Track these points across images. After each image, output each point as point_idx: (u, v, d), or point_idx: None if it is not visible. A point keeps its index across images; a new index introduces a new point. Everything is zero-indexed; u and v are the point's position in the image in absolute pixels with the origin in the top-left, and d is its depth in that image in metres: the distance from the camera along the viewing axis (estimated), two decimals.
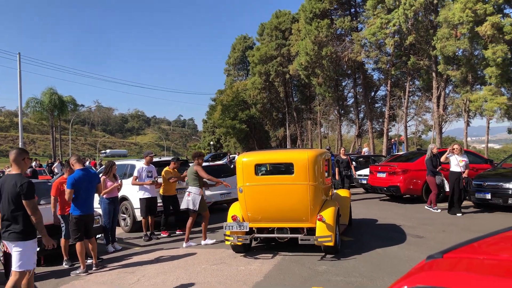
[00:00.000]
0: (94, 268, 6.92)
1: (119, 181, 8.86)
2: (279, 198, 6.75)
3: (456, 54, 22.67)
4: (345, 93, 37.60)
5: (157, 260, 7.33)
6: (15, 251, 4.71)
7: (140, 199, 9.32)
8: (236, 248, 7.35)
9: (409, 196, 13.11)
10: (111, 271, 6.85)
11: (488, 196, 10.43)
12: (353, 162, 14.72)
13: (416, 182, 12.42)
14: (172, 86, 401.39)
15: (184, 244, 8.31)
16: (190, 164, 12.73)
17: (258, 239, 7.64)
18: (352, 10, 33.66)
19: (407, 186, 12.44)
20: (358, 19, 32.10)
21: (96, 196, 7.41)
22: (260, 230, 7.24)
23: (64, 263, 7.32)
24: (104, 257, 7.77)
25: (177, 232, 9.90)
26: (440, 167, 11.08)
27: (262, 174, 7.61)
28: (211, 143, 63.86)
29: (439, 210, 10.85)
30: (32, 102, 43.76)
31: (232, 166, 15.38)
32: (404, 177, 12.45)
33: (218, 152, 45.21)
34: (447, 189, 10.75)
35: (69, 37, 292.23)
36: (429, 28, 24.26)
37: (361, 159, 18.22)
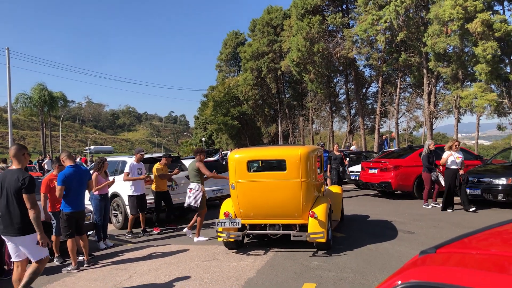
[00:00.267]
0: (85, 265, 6.88)
1: (112, 178, 8.84)
2: (272, 194, 6.77)
3: (447, 51, 22.80)
4: (337, 90, 37.71)
5: (149, 257, 7.31)
6: (25, 244, 4.89)
7: (129, 196, 9.25)
8: (228, 245, 7.36)
9: (400, 192, 13.20)
10: (102, 267, 6.82)
11: (479, 192, 10.53)
12: (347, 158, 14.74)
13: (407, 178, 12.51)
14: (164, 82, 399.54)
15: (195, 238, 8.36)
16: (181, 161, 12.74)
17: (251, 235, 7.66)
18: (344, 6, 33.73)
19: (398, 182, 12.52)
20: (349, 16, 32.17)
21: (86, 193, 7.36)
22: (253, 226, 7.26)
23: (55, 260, 7.28)
24: (96, 253, 7.74)
25: (166, 227, 9.90)
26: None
27: (254, 171, 7.61)
28: (203, 139, 63.72)
29: (430, 206, 10.96)
30: (21, 98, 43.22)
31: (224, 162, 15.37)
32: (396, 173, 12.53)
33: (210, 149, 45.09)
34: (443, 184, 10.74)
35: (59, 33, 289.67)
36: (420, 25, 24.38)
37: (353, 155, 18.29)
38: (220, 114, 49.34)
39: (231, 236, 6.95)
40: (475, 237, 1.90)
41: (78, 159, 33.01)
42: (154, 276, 6.15)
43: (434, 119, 26.37)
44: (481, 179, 10.66)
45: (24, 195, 4.81)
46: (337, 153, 13.49)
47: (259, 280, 5.65)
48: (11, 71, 27.31)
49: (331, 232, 7.16)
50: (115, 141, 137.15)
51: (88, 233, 7.87)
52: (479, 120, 23.94)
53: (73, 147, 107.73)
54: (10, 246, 5.05)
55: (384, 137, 26.40)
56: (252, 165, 7.81)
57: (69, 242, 6.67)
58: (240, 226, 6.95)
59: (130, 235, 9.16)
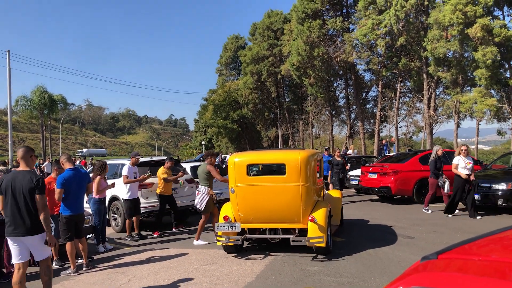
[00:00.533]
0: (84, 268, 6.86)
1: (111, 181, 8.86)
2: (271, 198, 6.75)
3: (447, 55, 22.85)
4: (337, 94, 37.73)
5: (148, 261, 7.29)
6: (35, 243, 5.00)
7: (124, 200, 9.25)
8: (227, 249, 7.34)
9: (400, 197, 13.18)
10: (101, 271, 6.80)
11: (478, 197, 10.51)
12: (348, 164, 14.66)
13: (407, 183, 12.49)
14: (164, 85, 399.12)
15: (195, 241, 8.39)
16: (180, 164, 12.73)
17: (250, 239, 7.63)
18: (344, 10, 33.78)
19: (398, 186, 12.50)
20: (349, 20, 32.22)
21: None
22: (252, 230, 7.24)
23: (54, 263, 7.25)
24: (95, 257, 7.71)
25: (173, 230, 9.91)
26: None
27: (254, 175, 7.61)
28: (203, 143, 63.69)
29: (430, 211, 10.93)
30: (21, 101, 43.25)
31: (224, 166, 15.36)
32: (395, 178, 12.51)
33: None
34: (446, 190, 10.64)
35: (59, 36, 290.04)
36: (420, 29, 24.44)
37: (353, 160, 18.29)
38: (220, 117, 49.35)
39: (230, 240, 6.93)
40: (476, 243, 1.89)
41: (77, 162, 33.02)
42: (153, 280, 6.13)
43: (434, 124, 26.38)
44: (480, 184, 10.63)
45: (37, 196, 4.95)
46: (339, 159, 13.31)
47: (258, 285, 5.64)
48: (12, 73, 27.34)
49: (330, 237, 7.14)
50: (115, 144, 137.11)
51: (87, 236, 7.86)
52: (478, 125, 23.96)
53: (72, 150, 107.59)
54: (15, 247, 5.04)
55: (383, 141, 26.41)
56: (252, 169, 7.80)
57: (68, 246, 6.65)
58: (239, 230, 6.94)
59: (129, 239, 9.15)
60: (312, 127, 41.71)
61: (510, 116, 21.61)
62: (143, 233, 9.82)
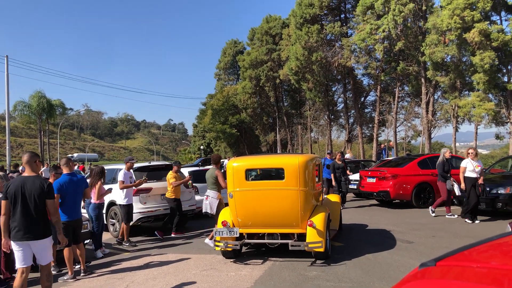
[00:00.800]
0: (82, 274, 6.82)
1: (108, 186, 8.85)
2: (270, 203, 6.73)
3: (445, 60, 22.91)
4: (335, 98, 37.81)
5: (146, 266, 7.26)
6: (42, 247, 5.11)
7: (122, 205, 9.21)
8: (226, 254, 7.31)
9: (399, 201, 13.17)
10: (99, 277, 6.76)
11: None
12: (348, 168, 14.59)
13: (406, 187, 12.49)
14: (162, 90, 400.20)
15: (206, 239, 8.51)
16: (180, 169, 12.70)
17: (249, 244, 7.60)
18: (342, 15, 33.91)
19: (396, 191, 12.49)
20: (348, 25, 32.34)
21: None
22: (251, 235, 7.21)
23: (51, 269, 7.20)
24: (93, 262, 7.67)
25: (172, 235, 9.89)
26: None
27: (252, 179, 7.59)
28: (201, 147, 63.70)
29: (455, 216, 10.58)
30: (20, 106, 43.24)
31: (223, 170, 15.33)
32: (394, 182, 12.51)
33: (208, 157, 45.04)
34: (458, 193, 10.44)
35: (58, 41, 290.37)
36: (418, 34, 24.52)
37: (351, 164, 18.28)
38: (218, 122, 49.38)
39: (229, 245, 6.90)
40: (475, 249, 1.88)
41: (76, 167, 32.94)
42: (151, 285, 6.09)
43: (432, 128, 26.43)
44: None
45: (48, 201, 5.15)
46: (339, 163, 13.24)
47: None
48: (10, 78, 27.32)
49: (329, 242, 7.12)
50: (113, 149, 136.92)
51: (85, 241, 7.83)
52: (477, 129, 23.99)
53: (71, 155, 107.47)
54: (20, 252, 5.05)
55: (382, 146, 26.41)
56: (251, 174, 7.78)
57: (65, 251, 6.62)
58: (238, 235, 6.91)
59: (127, 244, 9.10)
60: (311, 132, 41.75)
61: (508, 120, 21.64)
62: (141, 238, 9.80)
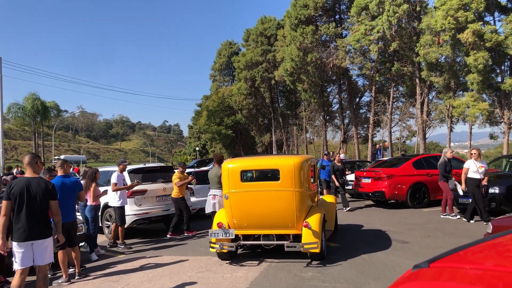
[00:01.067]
0: (77, 277, 6.79)
1: (103, 189, 8.84)
2: (265, 204, 6.72)
3: (439, 60, 23.01)
4: (330, 99, 37.87)
5: (142, 268, 7.23)
6: (44, 246, 5.23)
7: (116, 207, 9.19)
8: (221, 256, 7.29)
9: (394, 201, 13.20)
10: (94, 279, 6.73)
11: (470, 201, 10.51)
12: (346, 169, 14.51)
13: (401, 187, 12.52)
14: (157, 91, 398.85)
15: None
16: (174, 170, 12.68)
17: (244, 246, 7.59)
18: (337, 16, 33.98)
19: (392, 191, 12.52)
20: (342, 26, 32.42)
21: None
22: (246, 237, 7.19)
23: (47, 274, 7.16)
24: (87, 265, 7.63)
25: (168, 236, 9.87)
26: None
27: (248, 181, 7.58)
28: (197, 148, 63.59)
29: (457, 217, 10.44)
30: (13, 108, 42.97)
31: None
32: (389, 183, 12.53)
33: (204, 158, 44.98)
34: (461, 193, 10.28)
35: (52, 43, 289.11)
36: (412, 35, 24.62)
37: (347, 165, 18.30)
38: (214, 123, 49.30)
39: (224, 247, 6.88)
40: (470, 250, 1.87)
41: (71, 169, 32.77)
42: None
43: (427, 128, 26.52)
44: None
45: (52, 202, 5.37)
46: (338, 164, 13.09)
47: None
48: (3, 80, 27.17)
49: (325, 242, 7.12)
50: (108, 151, 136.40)
51: (80, 244, 7.79)
52: (471, 129, 24.10)
53: (57, 157, 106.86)
54: (21, 253, 5.07)
55: (377, 146, 26.48)
56: (246, 175, 7.77)
57: (60, 254, 6.58)
58: (233, 237, 6.89)
59: (122, 246, 9.08)
60: (306, 132, 41.78)
61: (502, 120, 21.75)
62: (137, 240, 9.76)
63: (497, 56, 21.00)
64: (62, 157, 72.52)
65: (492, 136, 24.00)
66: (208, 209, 8.67)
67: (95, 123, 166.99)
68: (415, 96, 26.13)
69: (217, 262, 7.27)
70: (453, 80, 23.03)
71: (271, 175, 7.50)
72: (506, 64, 21.89)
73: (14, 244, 5.08)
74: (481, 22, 20.92)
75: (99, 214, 9.13)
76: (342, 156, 22.74)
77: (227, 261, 7.24)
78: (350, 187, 14.75)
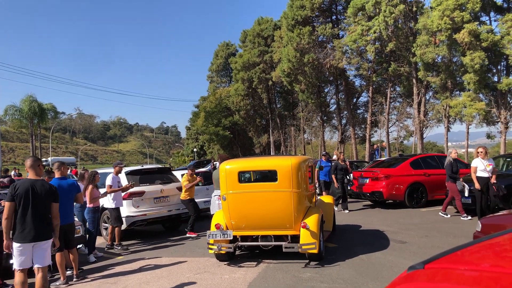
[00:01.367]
0: (75, 279, 6.77)
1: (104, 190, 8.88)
2: (263, 205, 6.73)
3: (436, 60, 23.09)
4: (328, 100, 37.90)
5: (140, 270, 7.22)
6: (45, 247, 5.33)
7: (111, 209, 9.18)
8: (220, 257, 7.28)
9: (392, 201, 13.22)
10: (92, 281, 6.72)
11: (469, 201, 10.54)
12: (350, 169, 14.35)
13: (399, 187, 12.54)
14: (155, 92, 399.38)
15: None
16: (174, 172, 12.66)
17: (242, 247, 7.59)
18: (334, 17, 34.02)
19: (389, 191, 12.53)
20: (339, 26, 32.46)
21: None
22: (244, 238, 7.20)
23: (47, 275, 7.14)
24: (85, 267, 7.62)
25: (187, 235, 10.02)
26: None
27: (245, 182, 7.58)
28: (195, 150, 63.50)
29: (469, 217, 10.18)
30: (10, 110, 42.80)
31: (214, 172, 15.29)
32: (387, 183, 12.55)
33: (201, 159, 44.97)
34: (466, 194, 10.16)
35: (49, 45, 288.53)
36: (409, 35, 24.69)
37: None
38: (211, 124, 49.28)
39: (222, 248, 6.88)
40: (467, 250, 1.87)
41: (69, 171, 32.70)
42: None
43: (424, 128, 26.58)
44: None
45: (54, 204, 5.48)
46: (342, 163, 12.91)
47: None
48: (0, 82, 27.08)
49: (323, 243, 7.12)
50: (106, 153, 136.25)
51: (78, 246, 7.77)
52: (468, 128, 24.18)
53: (45, 159, 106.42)
54: (23, 254, 5.11)
55: (375, 146, 26.52)
56: (243, 176, 7.77)
57: (57, 256, 6.55)
58: (231, 238, 6.89)
59: (119, 247, 9.07)
60: (304, 133, 41.82)
61: (498, 119, 21.83)
62: (135, 242, 9.74)
63: (493, 56, 21.09)
64: (49, 159, 71.32)
65: (489, 136, 24.07)
66: (213, 210, 8.66)
67: (93, 125, 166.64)
68: (412, 96, 26.20)
69: (215, 263, 7.27)
70: (450, 80, 23.11)
71: (269, 176, 7.51)
72: (502, 63, 21.97)
73: (16, 245, 5.11)
74: (477, 22, 21.01)
75: (98, 216, 9.13)
76: (335, 156, 22.71)
77: (225, 262, 7.23)
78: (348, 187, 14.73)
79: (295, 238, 6.82)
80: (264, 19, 45.08)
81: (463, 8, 20.37)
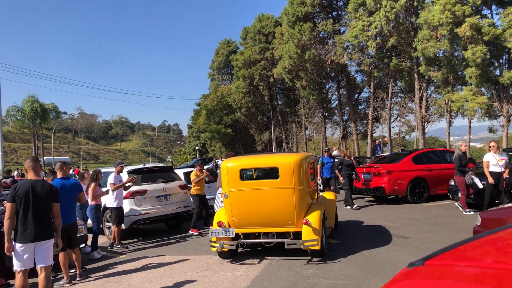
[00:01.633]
0: (78, 279, 6.79)
1: (106, 189, 8.92)
2: (265, 202, 6.73)
3: (437, 55, 22.98)
4: (329, 96, 37.83)
5: (143, 268, 7.23)
6: (47, 247, 5.35)
7: (112, 208, 9.20)
8: (222, 254, 7.30)
9: (394, 197, 13.20)
10: (95, 280, 6.74)
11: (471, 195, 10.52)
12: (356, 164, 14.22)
13: (401, 183, 12.51)
14: (156, 91, 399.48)
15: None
16: (176, 170, 12.67)
17: (244, 244, 7.59)
18: (334, 13, 33.92)
19: (391, 187, 12.51)
20: (340, 22, 32.37)
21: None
22: (246, 235, 7.20)
23: (50, 275, 7.16)
24: (89, 266, 7.64)
25: (209, 227, 10.07)
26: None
27: (247, 179, 7.57)
28: (197, 148, 63.57)
29: (471, 213, 10.10)
30: (12, 111, 42.89)
31: (218, 171, 15.31)
32: (389, 178, 12.53)
33: (203, 157, 45.01)
34: (480, 186, 9.94)
35: (50, 45, 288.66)
36: (410, 30, 24.58)
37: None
38: (213, 122, 49.30)
39: (224, 245, 6.89)
40: (467, 246, 1.85)
41: (71, 171, 32.77)
42: None
43: (426, 123, 26.51)
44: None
45: (55, 204, 5.52)
46: (348, 159, 12.74)
47: None
48: (2, 83, 27.14)
49: (325, 239, 7.13)
50: (108, 152, 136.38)
51: (81, 246, 7.79)
52: (470, 123, 24.10)
53: (41, 159, 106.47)
54: (25, 254, 5.13)
55: (377, 142, 26.48)
56: (245, 174, 7.77)
57: (61, 256, 6.58)
58: (233, 236, 6.90)
59: (119, 246, 9.09)
60: (306, 130, 41.77)
61: (501, 113, 21.74)
62: (137, 240, 9.76)
63: (495, 49, 20.97)
64: (45, 158, 70.97)
65: (491, 130, 23.98)
66: (217, 207, 8.66)
67: (95, 124, 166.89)
68: (414, 91, 26.11)
69: (218, 261, 7.28)
70: (452, 75, 23.01)
71: (270, 173, 7.51)
72: (504, 57, 21.84)
73: (18, 245, 5.14)
74: (479, 16, 20.90)
75: (100, 214, 9.16)
76: (335, 152, 22.68)
77: (228, 260, 7.24)
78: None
79: (297, 235, 6.82)
80: (265, 16, 44.99)
81: (465, 1, 20.25)
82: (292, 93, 43.44)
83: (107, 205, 9.52)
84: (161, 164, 12.45)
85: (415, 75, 25.28)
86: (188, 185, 11.02)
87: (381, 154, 19.70)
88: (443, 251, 1.79)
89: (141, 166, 11.75)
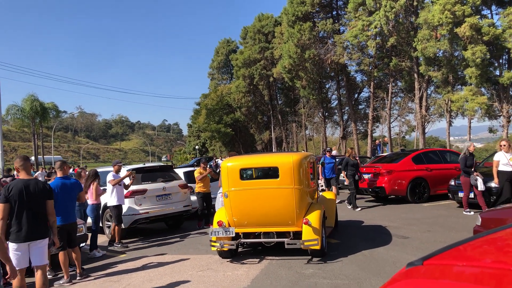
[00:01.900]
0: (78, 278, 6.79)
1: (104, 188, 8.92)
2: (265, 202, 6.74)
3: (437, 55, 23.00)
4: (329, 95, 37.88)
5: (143, 268, 7.24)
6: (41, 246, 5.32)
7: (112, 207, 9.20)
8: (222, 254, 7.30)
9: (394, 196, 13.21)
10: (95, 280, 6.74)
11: (471, 195, 10.52)
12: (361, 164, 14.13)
13: (401, 182, 12.51)
14: (156, 90, 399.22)
15: None
16: (176, 170, 12.67)
17: (245, 244, 7.60)
18: (334, 12, 33.96)
19: (392, 187, 12.52)
20: (340, 22, 32.39)
21: None
22: (246, 235, 7.21)
23: (47, 273, 7.17)
24: (89, 265, 7.64)
25: (208, 226, 10.37)
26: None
27: (247, 179, 7.58)
28: (197, 147, 63.55)
29: (471, 213, 10.08)
30: (12, 110, 42.90)
31: (218, 170, 15.31)
32: (389, 178, 12.53)
33: (204, 157, 45.01)
34: (481, 188, 9.85)
35: (50, 44, 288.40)
36: (410, 29, 24.59)
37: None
38: (213, 121, 49.31)
39: (225, 245, 6.90)
40: (467, 246, 1.85)
41: (71, 170, 32.74)
42: (148, 287, 6.08)
43: (426, 123, 26.53)
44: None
45: (49, 201, 5.46)
46: (352, 159, 12.65)
47: None
48: (1, 82, 27.08)
49: (325, 239, 7.13)
50: (108, 151, 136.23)
51: (81, 245, 7.80)
52: (470, 123, 24.10)
53: (65, 158, 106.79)
54: (20, 254, 5.11)
55: (377, 141, 26.49)
56: (245, 173, 7.78)
57: (61, 255, 6.58)
58: (234, 235, 6.90)
59: (119, 245, 9.09)
60: (306, 129, 41.79)
61: (501, 113, 21.75)
62: (137, 239, 9.77)
63: (495, 49, 20.98)
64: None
65: (491, 130, 24.01)
66: (218, 207, 8.65)
67: (94, 123, 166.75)
68: (414, 91, 26.12)
69: (218, 260, 7.29)
70: (451, 75, 23.03)
71: (270, 173, 7.51)
72: (504, 57, 21.87)
73: (12, 245, 5.10)
74: (479, 16, 20.91)
75: (100, 213, 9.18)
76: (334, 152, 22.66)
77: (228, 259, 7.25)
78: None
79: (297, 235, 6.83)
80: (265, 16, 45.00)
81: (464, 1, 20.26)
82: (292, 92, 43.46)
83: (108, 204, 9.53)
84: (161, 164, 12.46)
85: (415, 75, 25.29)
86: (193, 184, 11.12)
87: (381, 154, 19.70)
88: (442, 250, 1.79)
89: (141, 165, 11.74)
